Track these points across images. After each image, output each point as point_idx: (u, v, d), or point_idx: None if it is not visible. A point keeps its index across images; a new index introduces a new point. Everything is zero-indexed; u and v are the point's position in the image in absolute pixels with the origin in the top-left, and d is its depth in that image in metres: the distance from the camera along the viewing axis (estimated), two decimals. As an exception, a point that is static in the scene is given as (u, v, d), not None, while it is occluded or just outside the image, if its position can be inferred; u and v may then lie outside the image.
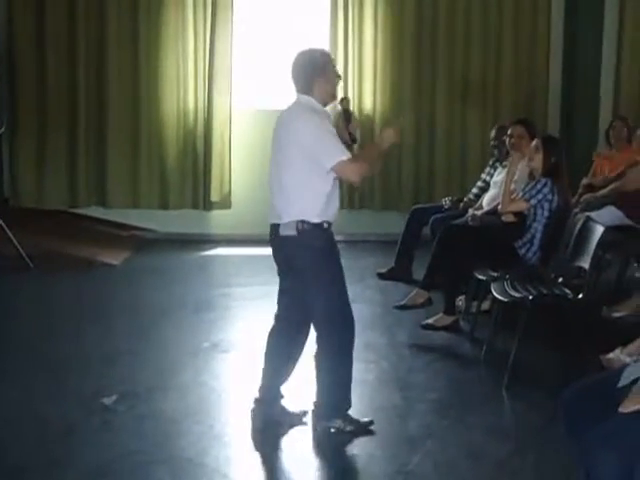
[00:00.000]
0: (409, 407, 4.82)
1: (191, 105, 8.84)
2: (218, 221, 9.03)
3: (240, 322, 6.43)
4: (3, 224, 7.55)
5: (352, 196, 8.97)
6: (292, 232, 4.27)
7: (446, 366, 5.50)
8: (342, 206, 8.62)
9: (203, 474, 3.94)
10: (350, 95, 8.86)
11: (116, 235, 8.76)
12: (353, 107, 8.85)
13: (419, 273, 6.71)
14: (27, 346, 5.66)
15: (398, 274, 7.38)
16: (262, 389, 4.50)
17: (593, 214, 5.65)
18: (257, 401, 4.48)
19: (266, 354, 4.53)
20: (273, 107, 8.94)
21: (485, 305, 6.03)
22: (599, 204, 6.33)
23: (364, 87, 8.91)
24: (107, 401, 4.59)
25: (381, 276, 7.46)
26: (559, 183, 5.75)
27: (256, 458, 4.20)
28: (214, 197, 8.94)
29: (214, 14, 8.74)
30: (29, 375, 5.11)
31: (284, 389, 4.55)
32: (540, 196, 5.70)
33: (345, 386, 4.39)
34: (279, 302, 4.56)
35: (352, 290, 6.94)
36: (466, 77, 8.95)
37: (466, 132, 8.95)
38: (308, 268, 4.31)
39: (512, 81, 8.96)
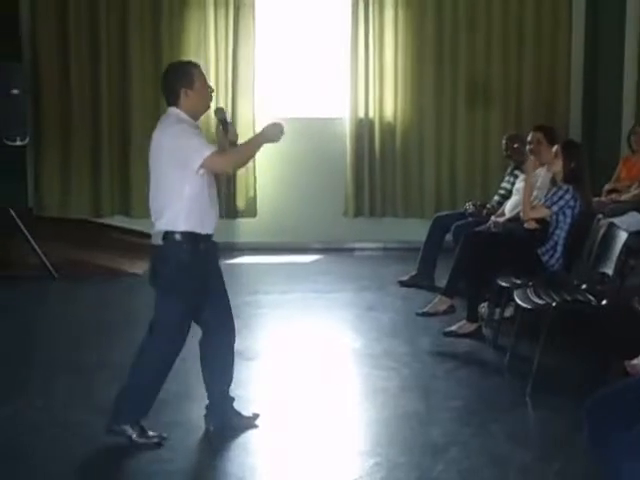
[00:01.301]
0: (432, 415, 4.82)
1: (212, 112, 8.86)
2: (243, 229, 9.07)
3: (265, 330, 6.46)
4: (27, 234, 7.63)
5: (374, 204, 8.98)
6: (159, 242, 4.27)
7: (469, 373, 5.50)
8: (364, 214, 8.91)
9: (228, 482, 3.97)
10: (371, 100, 8.87)
11: (140, 244, 8.80)
12: (374, 114, 8.88)
13: (442, 280, 6.71)
14: (52, 354, 5.71)
15: (420, 281, 7.39)
16: (210, 396, 4.52)
17: (616, 220, 5.64)
18: (208, 407, 4.51)
19: (200, 362, 4.54)
20: (297, 115, 9.04)
21: (508, 312, 6.02)
22: (622, 210, 6.31)
23: (385, 92, 8.93)
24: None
25: (402, 284, 7.46)
26: (581, 189, 5.74)
27: (281, 466, 4.21)
28: (239, 205, 8.98)
29: (236, 21, 8.79)
30: (55, 383, 5.16)
31: (232, 393, 4.55)
32: (562, 202, 5.69)
33: (143, 395, 4.36)
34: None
35: (374, 297, 7.13)
36: (487, 82, 8.94)
37: (488, 137, 8.94)
38: (164, 279, 4.29)
39: (533, 85, 8.95)
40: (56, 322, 6.62)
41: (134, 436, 4.28)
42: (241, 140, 4.49)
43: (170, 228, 4.23)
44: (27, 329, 6.41)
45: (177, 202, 4.21)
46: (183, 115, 4.26)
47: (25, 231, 7.63)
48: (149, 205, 4.33)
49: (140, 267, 8.04)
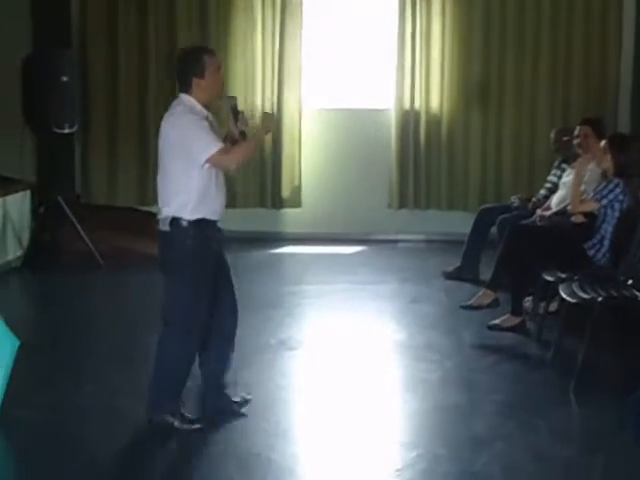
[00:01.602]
0: (474, 408, 4.81)
1: (259, 104, 8.90)
2: (287, 219, 9.09)
3: (308, 320, 6.49)
4: (75, 221, 7.72)
5: (418, 195, 8.95)
6: (166, 228, 4.30)
7: (512, 367, 5.48)
8: (408, 206, 8.89)
9: (270, 470, 4.00)
10: (417, 91, 8.84)
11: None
12: (420, 105, 8.85)
13: (486, 273, 6.68)
14: (100, 341, 5.79)
15: (465, 274, 7.36)
16: (205, 380, 4.55)
17: (665, 215, 5.57)
18: (204, 392, 4.56)
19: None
20: (342, 106, 9.04)
21: (553, 306, 5.97)
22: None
23: (431, 83, 8.87)
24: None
25: (447, 275, 7.44)
26: (630, 183, 5.68)
27: (322, 455, 4.23)
28: (284, 195, 9.00)
29: (283, 12, 8.79)
30: (104, 369, 5.23)
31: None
32: (611, 196, 5.64)
33: (174, 383, 4.38)
34: None
35: (417, 290, 7.11)
36: (535, 73, 8.85)
37: (534, 131, 8.85)
38: (173, 264, 4.33)
39: (581, 78, 8.83)
40: (103, 309, 6.71)
41: (176, 424, 4.32)
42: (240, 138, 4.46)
43: (178, 215, 4.27)
44: (75, 316, 6.49)
45: (185, 191, 4.25)
46: (194, 103, 4.28)
47: (73, 218, 7.71)
48: (157, 191, 4.37)
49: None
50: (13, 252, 7.64)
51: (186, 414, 4.37)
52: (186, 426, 4.32)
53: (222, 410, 4.51)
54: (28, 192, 7.92)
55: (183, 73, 4.30)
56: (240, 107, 4.55)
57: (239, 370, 5.22)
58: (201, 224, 4.29)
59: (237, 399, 4.60)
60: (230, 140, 4.41)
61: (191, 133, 4.20)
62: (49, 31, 8.41)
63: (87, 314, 6.54)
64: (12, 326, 4.52)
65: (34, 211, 7.87)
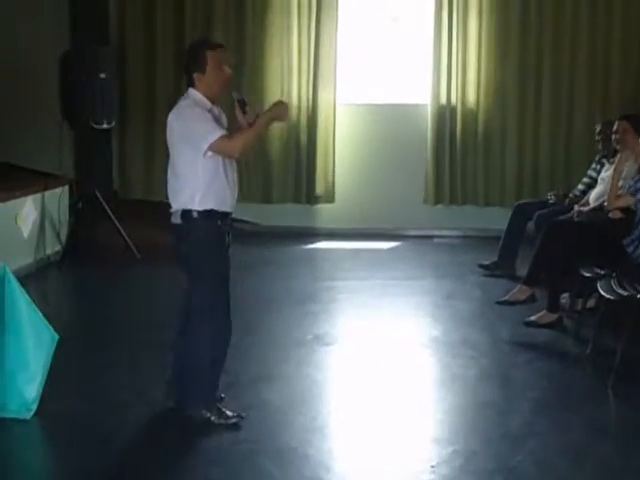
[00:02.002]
0: (510, 405, 4.80)
1: (295, 99, 8.92)
2: (321, 215, 9.10)
3: (343, 315, 6.50)
4: (112, 216, 7.79)
5: (455, 191, 8.92)
6: (178, 220, 4.32)
7: (549, 364, 5.45)
8: (444, 201, 8.86)
9: (307, 465, 4.02)
10: (453, 86, 8.79)
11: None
12: (456, 100, 8.80)
13: (523, 269, 6.65)
14: (138, 334, 5.83)
15: (501, 270, 7.33)
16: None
17: None
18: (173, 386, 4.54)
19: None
20: (379, 101, 9.03)
21: (590, 303, 5.93)
22: None
23: (467, 78, 8.82)
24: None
25: (484, 267, 7.41)
26: (669, 178, 5.63)
27: (358, 451, 4.24)
28: (318, 191, 9.00)
29: (319, 8, 8.79)
30: (141, 362, 5.27)
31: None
32: (647, 190, 5.59)
33: (209, 377, 4.38)
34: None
35: (453, 285, 7.10)
36: (572, 68, 8.77)
37: (571, 127, 8.78)
38: (188, 258, 4.35)
39: (620, 73, 8.74)
40: (140, 303, 6.75)
41: (213, 418, 4.35)
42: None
43: (188, 207, 4.28)
44: (112, 310, 6.57)
45: (193, 182, 4.26)
46: (199, 97, 4.30)
47: (110, 213, 7.79)
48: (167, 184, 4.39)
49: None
50: (52, 247, 7.73)
51: (223, 409, 4.39)
52: (222, 420, 4.35)
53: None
54: (66, 187, 8.01)
55: (186, 68, 4.35)
56: (248, 99, 4.51)
57: (276, 365, 5.26)
58: (212, 215, 4.29)
59: (230, 414, 4.46)
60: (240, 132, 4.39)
61: (193, 123, 4.22)
62: (87, 28, 8.49)
63: (124, 308, 6.60)
64: (51, 320, 4.57)
65: (72, 206, 7.95)
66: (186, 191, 4.28)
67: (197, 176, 4.26)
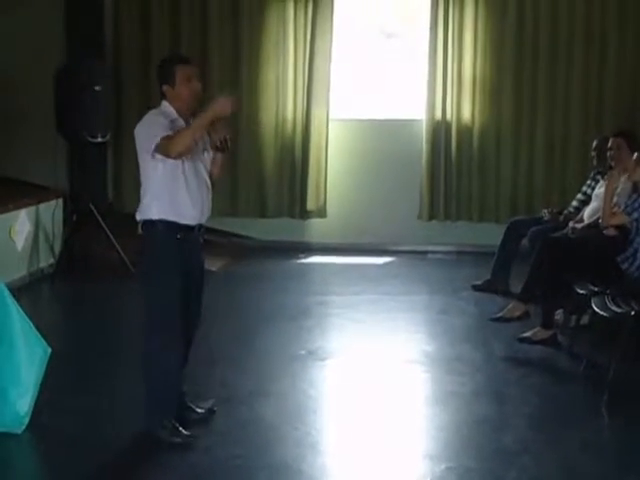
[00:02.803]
0: (504, 421, 4.80)
1: (290, 114, 8.94)
2: (313, 230, 9.10)
3: (336, 330, 6.48)
4: (106, 229, 7.77)
5: (449, 207, 8.93)
6: (140, 231, 4.32)
7: (543, 381, 5.45)
8: (438, 217, 8.86)
9: (300, 481, 4.01)
10: (448, 102, 8.82)
11: (215, 242, 8.91)
12: (451, 116, 8.82)
13: (516, 286, 6.65)
14: (131, 349, 5.78)
15: (495, 286, 7.32)
16: None
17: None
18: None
19: None
20: (374, 117, 9.04)
21: (584, 320, 5.93)
22: None
23: (463, 94, 8.84)
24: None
25: (476, 288, 7.41)
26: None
27: (352, 467, 4.23)
28: (310, 206, 9.01)
29: (314, 24, 8.80)
30: (134, 377, 5.16)
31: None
32: (642, 209, 5.59)
33: (160, 392, 4.30)
34: None
35: (447, 301, 7.10)
36: (567, 85, 8.79)
37: (567, 143, 8.80)
38: (143, 266, 4.38)
39: (615, 89, 8.76)
40: (134, 317, 6.69)
41: (163, 435, 4.26)
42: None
43: (145, 217, 4.28)
44: (106, 324, 6.57)
45: (150, 190, 4.26)
46: (169, 109, 4.32)
47: (105, 227, 7.77)
48: None
49: (215, 264, 8.14)
50: (45, 260, 7.72)
51: (177, 425, 4.30)
52: (174, 439, 4.25)
53: (183, 418, 4.41)
54: (61, 200, 8.00)
55: (158, 81, 4.39)
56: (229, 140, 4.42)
57: (269, 380, 5.25)
58: (170, 226, 4.25)
59: (201, 410, 4.52)
60: (214, 147, 4.36)
61: (147, 128, 4.24)
62: (82, 41, 8.50)
63: (118, 322, 6.59)
64: (44, 333, 4.56)
65: (66, 219, 7.94)
66: (144, 200, 4.29)
67: (152, 184, 4.25)
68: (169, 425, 4.28)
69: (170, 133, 4.19)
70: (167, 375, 4.31)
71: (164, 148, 4.15)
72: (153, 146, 4.16)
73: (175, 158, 4.18)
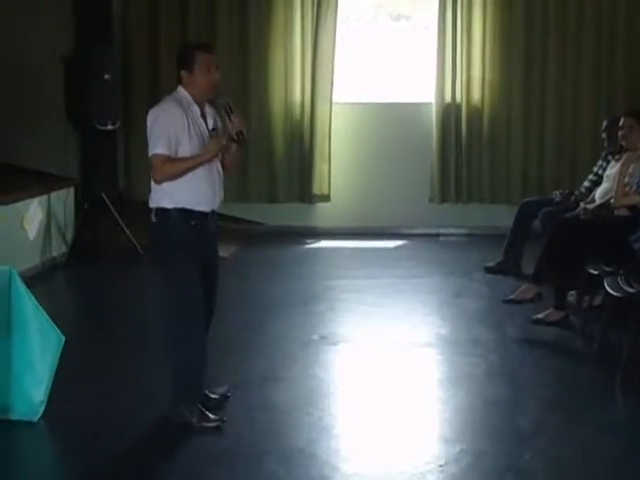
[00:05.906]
0: (518, 403, 4.79)
1: (297, 99, 8.91)
2: (324, 214, 9.08)
3: (347, 315, 6.48)
4: (117, 216, 7.78)
5: (460, 189, 8.90)
6: (153, 218, 4.31)
7: (556, 362, 5.44)
8: (450, 199, 8.84)
9: (313, 465, 4.01)
10: (458, 84, 8.77)
11: (227, 228, 8.91)
12: (461, 98, 8.78)
13: (528, 267, 6.64)
14: (144, 335, 5.81)
15: (507, 268, 7.31)
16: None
17: None
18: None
19: None
20: (384, 100, 9.01)
21: (597, 300, 5.91)
22: None
23: (472, 76, 8.79)
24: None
25: (489, 270, 7.39)
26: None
27: (365, 450, 4.23)
28: (321, 190, 9.00)
29: (319, 7, 8.78)
30: (148, 362, 5.22)
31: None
32: (654, 189, 5.57)
33: (186, 376, 4.32)
34: None
35: (460, 284, 7.09)
36: (577, 64, 8.74)
37: (577, 124, 8.75)
38: (158, 254, 4.36)
39: (626, 71, 8.71)
40: (146, 304, 6.73)
41: (194, 420, 4.29)
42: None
43: (159, 205, 4.27)
44: (119, 311, 6.57)
45: None
46: (184, 95, 4.31)
47: (116, 215, 7.78)
48: None
49: (227, 251, 8.14)
50: (57, 249, 7.73)
51: (206, 412, 4.32)
52: (205, 424, 4.28)
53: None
54: (72, 189, 8.00)
55: (176, 66, 4.36)
56: (234, 107, 4.41)
57: (281, 366, 5.25)
58: (185, 213, 4.26)
59: (215, 396, 4.53)
60: (229, 138, 4.35)
61: (155, 126, 4.25)
62: (91, 29, 8.47)
63: (131, 309, 6.59)
64: (57, 322, 4.57)
65: (78, 208, 7.95)
66: (157, 187, 4.28)
67: None
68: (196, 410, 4.30)
69: (166, 152, 4.20)
70: (193, 360, 4.33)
71: (154, 168, 4.23)
72: (151, 154, 4.22)
73: (157, 183, 4.24)
